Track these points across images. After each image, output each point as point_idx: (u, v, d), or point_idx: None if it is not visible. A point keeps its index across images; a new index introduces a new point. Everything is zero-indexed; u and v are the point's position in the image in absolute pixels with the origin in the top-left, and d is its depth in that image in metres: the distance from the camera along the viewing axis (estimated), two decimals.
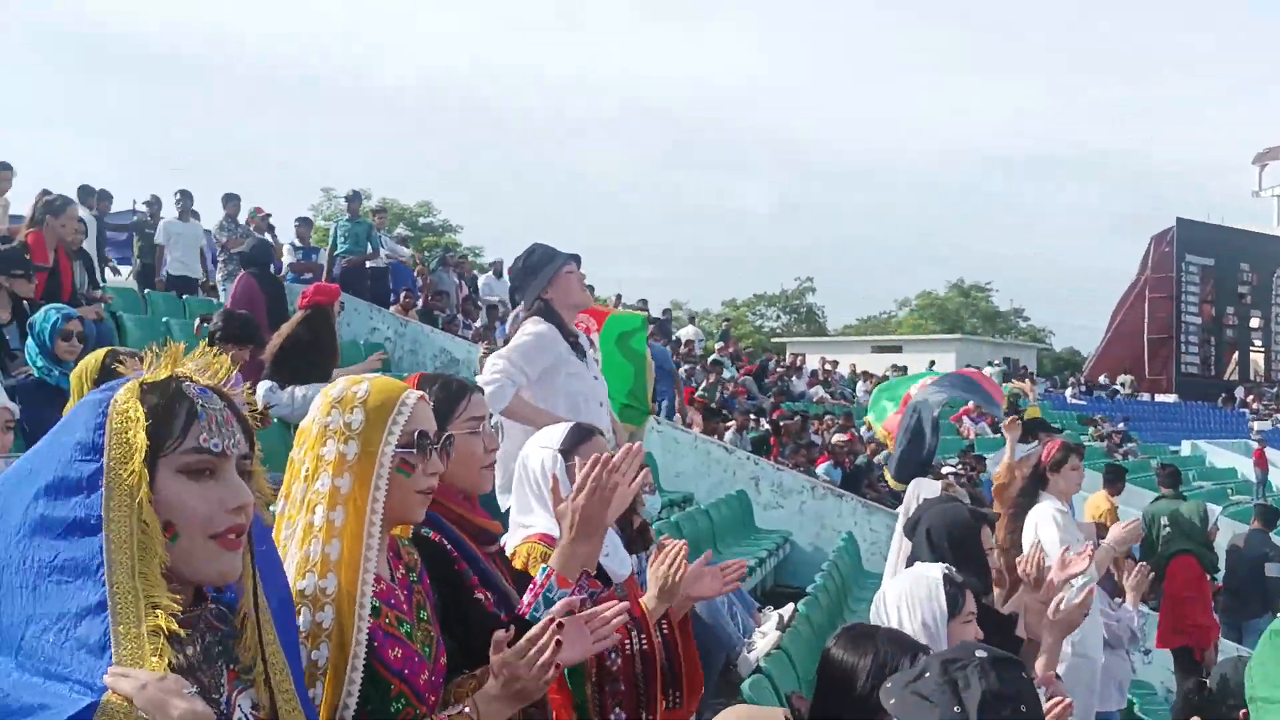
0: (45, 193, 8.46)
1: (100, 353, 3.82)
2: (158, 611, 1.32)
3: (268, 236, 12.81)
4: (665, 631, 2.75)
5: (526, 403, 4.33)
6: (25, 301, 6.08)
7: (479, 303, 16.10)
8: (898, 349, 42.17)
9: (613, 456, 2.42)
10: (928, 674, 1.95)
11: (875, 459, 14.35)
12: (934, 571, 3.08)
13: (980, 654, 1.97)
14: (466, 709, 1.89)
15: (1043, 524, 5.35)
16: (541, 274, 4.57)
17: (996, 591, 4.07)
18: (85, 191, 11.75)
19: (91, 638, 1.26)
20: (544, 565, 2.33)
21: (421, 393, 2.07)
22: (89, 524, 1.33)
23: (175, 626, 1.33)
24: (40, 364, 4.79)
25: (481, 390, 2.60)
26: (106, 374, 3.70)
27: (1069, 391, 35.00)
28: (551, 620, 1.88)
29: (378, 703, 1.83)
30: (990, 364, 31.01)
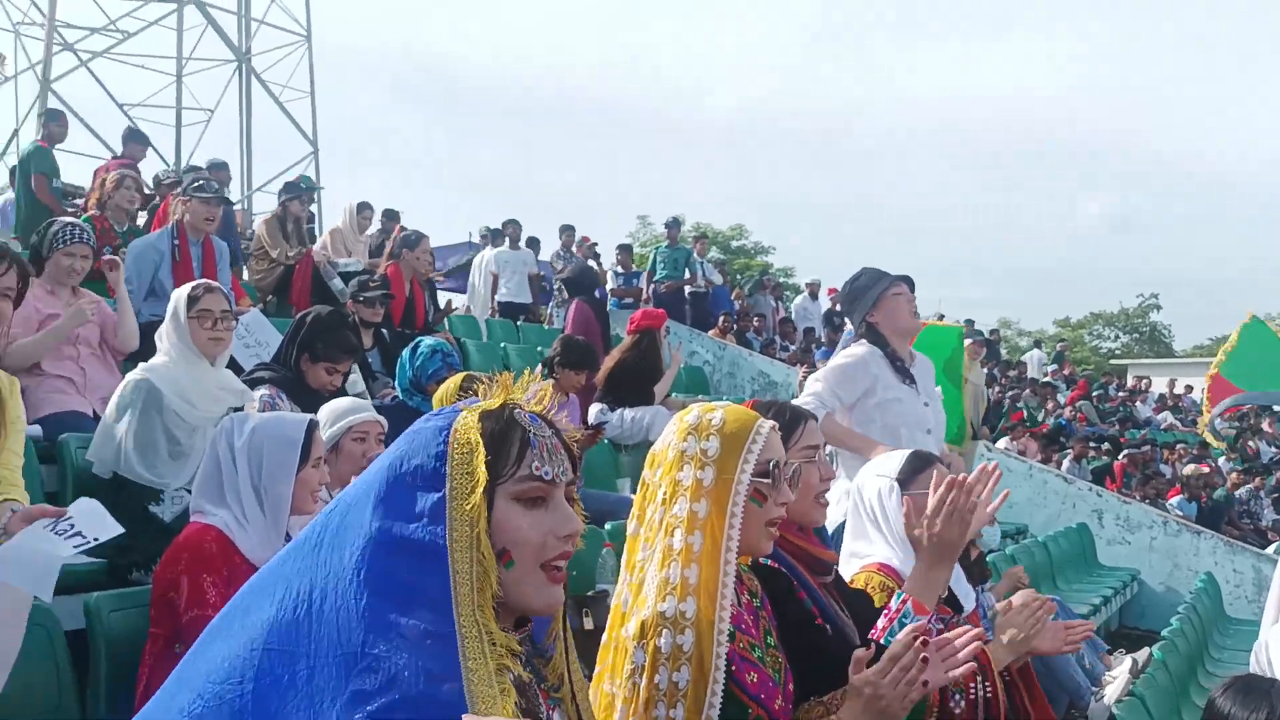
0: (401, 228, 9.38)
1: (458, 377, 4.22)
2: (497, 647, 1.33)
3: (593, 264, 13.47)
4: (1006, 679, 2.65)
5: (838, 424, 4.26)
6: (384, 330, 6.71)
7: (794, 325, 16.18)
8: None
9: (967, 477, 2.39)
10: None
11: (1236, 492, 13.15)
12: None
13: None
14: None
15: None
16: (867, 296, 4.47)
17: None
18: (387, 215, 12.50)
19: (436, 668, 1.26)
20: (899, 591, 2.32)
21: (774, 422, 2.11)
22: (435, 552, 1.32)
23: (519, 668, 1.37)
24: (405, 388, 5.25)
25: (815, 418, 2.58)
26: (464, 396, 4.15)
27: None
28: (915, 638, 1.86)
29: None
30: None
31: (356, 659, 1.25)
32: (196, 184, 6.20)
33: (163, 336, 3.89)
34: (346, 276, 7.93)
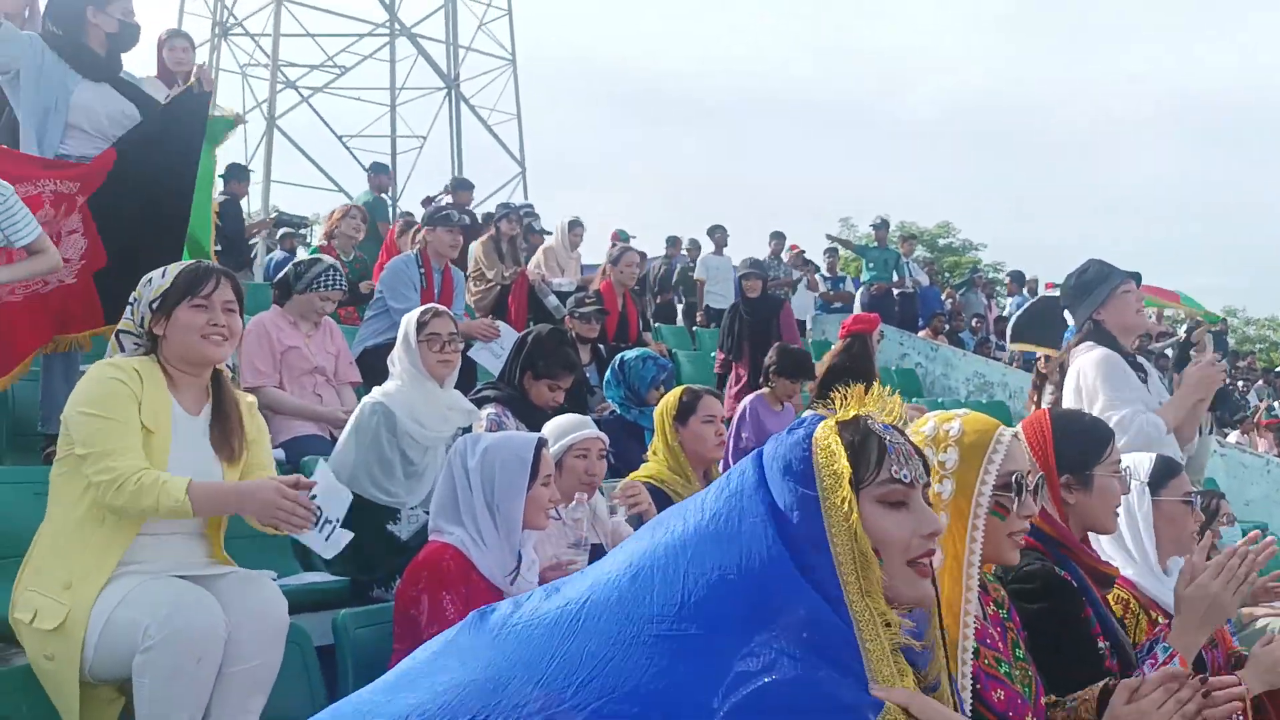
0: (613, 244, 9.55)
1: (677, 391, 4.29)
2: (891, 628, 1.42)
3: (799, 271, 13.39)
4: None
5: (1165, 409, 4.10)
6: (600, 345, 6.87)
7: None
8: None
9: (1249, 547, 2.34)
10: None
11: None
12: None
13: None
14: None
15: None
16: (1095, 293, 4.26)
17: None
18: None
19: (841, 648, 1.35)
20: (1166, 644, 2.25)
21: (1015, 430, 2.07)
22: (817, 542, 1.43)
23: (913, 641, 1.46)
24: (620, 402, 5.31)
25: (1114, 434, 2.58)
26: (683, 409, 4.20)
27: None
28: (1192, 674, 1.83)
29: None
30: None
31: (742, 645, 1.33)
32: (442, 214, 6.49)
33: (395, 361, 4.08)
34: (562, 296, 8.16)
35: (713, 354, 9.97)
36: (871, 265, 13.91)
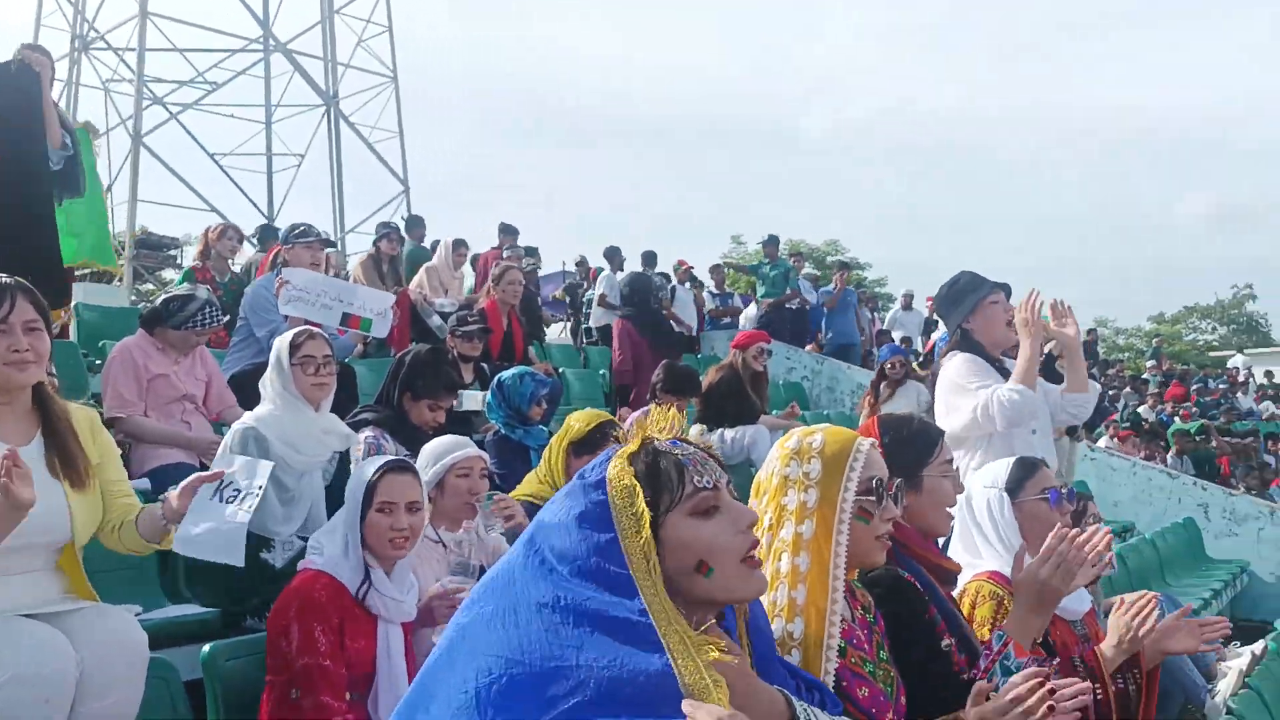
0: (498, 262, 9.47)
1: (588, 419, 4.24)
2: (704, 645, 1.45)
3: (687, 286, 13.50)
4: (1133, 684, 2.67)
5: (1018, 375, 4.19)
6: (484, 364, 6.79)
7: (892, 336, 16.05)
8: None
9: (1081, 532, 2.42)
10: None
11: None
12: None
13: None
14: None
15: None
16: (965, 302, 4.38)
17: None
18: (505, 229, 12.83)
19: (653, 667, 1.37)
20: (999, 632, 2.32)
21: (874, 440, 2.15)
22: (622, 585, 1.46)
23: (727, 656, 1.47)
24: (504, 422, 5.19)
25: (944, 432, 2.64)
26: (587, 442, 4.12)
27: None
28: (1040, 682, 1.87)
29: None
30: None
31: (553, 673, 1.36)
32: (299, 231, 6.33)
33: (266, 384, 3.97)
34: (445, 316, 8.04)
35: (601, 372, 9.98)
36: (764, 282, 14.10)
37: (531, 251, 13.18)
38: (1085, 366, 4.42)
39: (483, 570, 3.51)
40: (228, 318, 5.60)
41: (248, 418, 3.91)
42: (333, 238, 6.43)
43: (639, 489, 1.52)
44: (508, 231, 12.69)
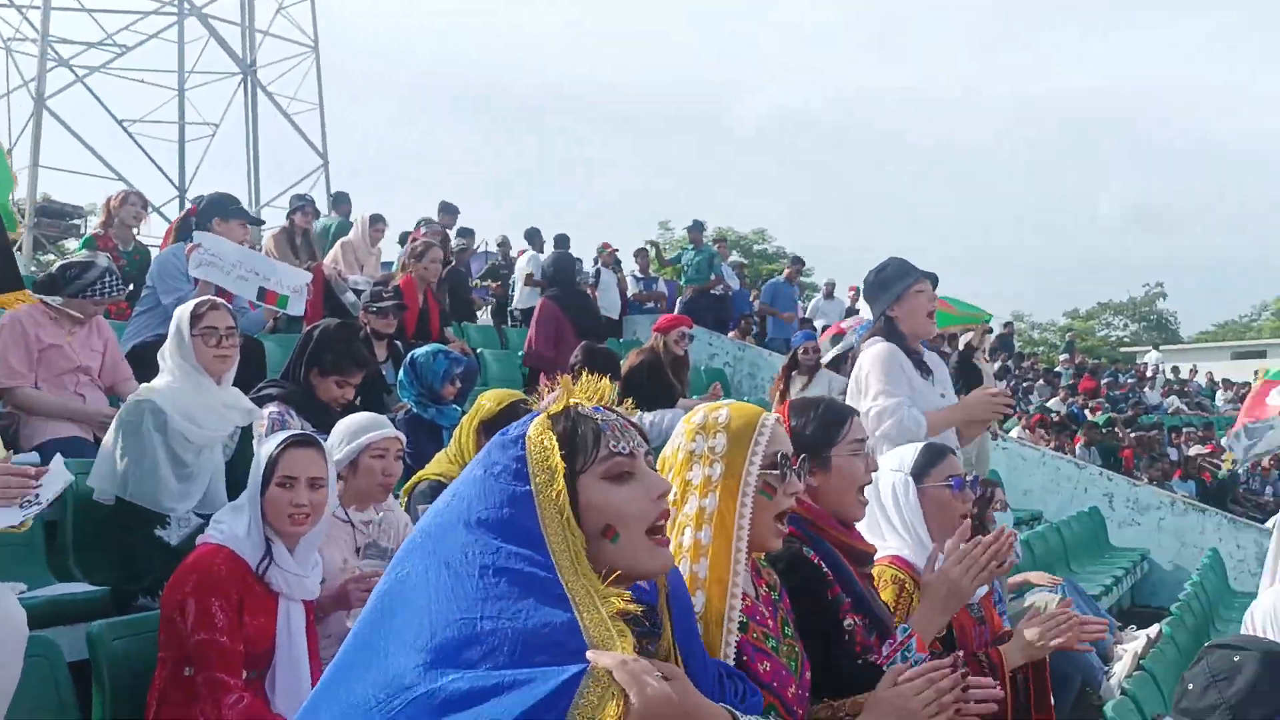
0: (414, 239, 9.33)
1: (501, 397, 4.21)
2: (610, 600, 1.45)
3: (614, 270, 13.45)
4: (1021, 674, 2.71)
5: (933, 412, 4.16)
6: (398, 342, 6.66)
7: (814, 324, 16.16)
8: (1262, 354, 38.53)
9: (995, 539, 2.45)
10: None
11: (1239, 470, 13.34)
12: None
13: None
14: None
15: None
16: (891, 289, 4.36)
17: None
18: (445, 208, 12.76)
19: (558, 620, 1.38)
20: (904, 625, 2.35)
21: (778, 415, 2.14)
22: (532, 539, 1.47)
23: (633, 607, 1.47)
24: (416, 400, 5.12)
25: (857, 413, 2.65)
26: (499, 420, 4.04)
27: None
28: (955, 667, 1.91)
29: None
30: None
31: (466, 632, 1.35)
32: (219, 200, 6.13)
33: (165, 355, 3.84)
34: (361, 293, 7.87)
35: (520, 353, 9.90)
36: (689, 268, 14.09)
37: (465, 232, 13.05)
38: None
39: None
40: (130, 288, 5.42)
41: (143, 390, 3.78)
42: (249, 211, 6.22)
43: (556, 446, 1.54)
44: (448, 210, 12.56)
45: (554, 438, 1.56)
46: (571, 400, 1.63)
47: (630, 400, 1.77)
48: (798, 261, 14.79)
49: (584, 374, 5.10)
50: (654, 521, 1.57)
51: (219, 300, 4.01)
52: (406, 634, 1.38)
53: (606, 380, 1.69)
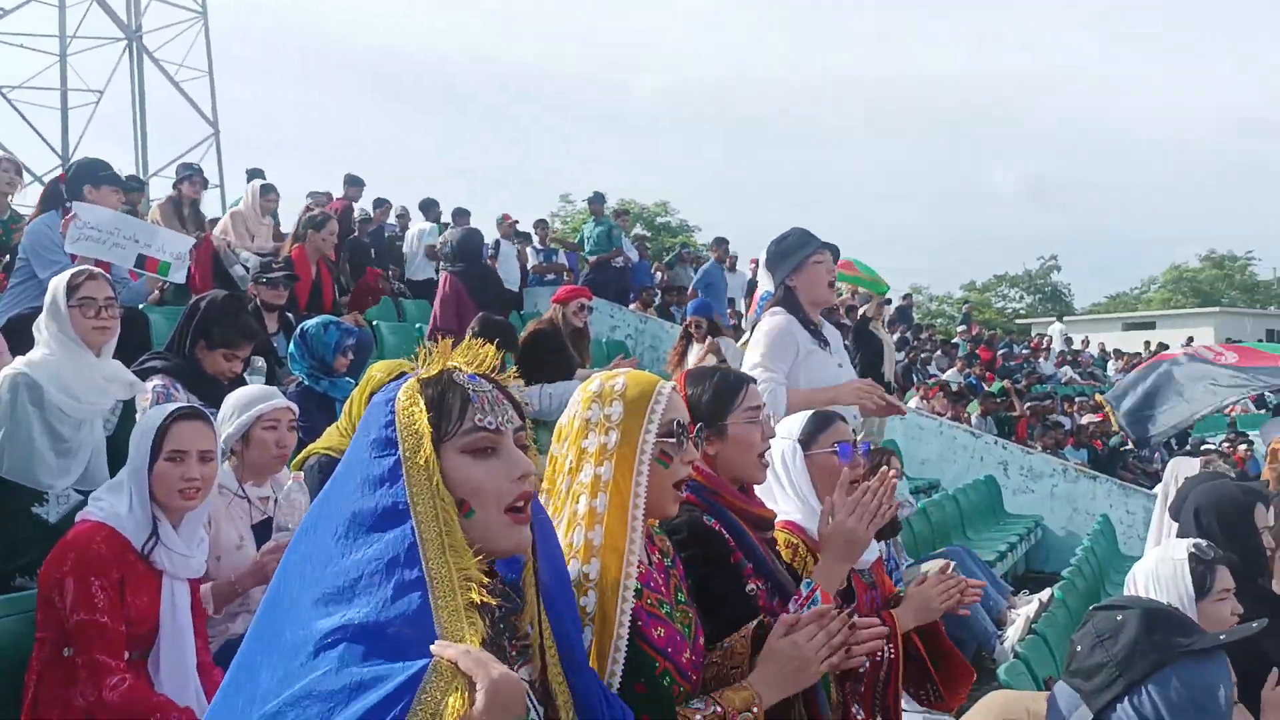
0: (308, 209, 9.11)
1: (390, 367, 4.09)
2: (470, 584, 1.42)
3: (514, 242, 13.34)
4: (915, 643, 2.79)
5: (797, 392, 4.19)
6: (289, 314, 6.52)
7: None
8: (1151, 325, 39.96)
9: (879, 481, 2.48)
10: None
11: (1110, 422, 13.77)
12: (1179, 551, 2.99)
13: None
14: (747, 690, 1.95)
15: None
16: (791, 259, 4.38)
17: None
18: (351, 180, 12.63)
19: (412, 609, 1.36)
20: (808, 580, 2.37)
21: (675, 383, 2.13)
22: (398, 510, 1.44)
23: (489, 598, 1.44)
24: (307, 373, 5.01)
25: (755, 380, 2.65)
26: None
27: None
28: (842, 611, 1.95)
29: (648, 680, 1.90)
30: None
31: (328, 627, 1.34)
32: (105, 172, 5.87)
33: (40, 328, 3.70)
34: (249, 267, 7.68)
35: (418, 325, 9.76)
36: (589, 240, 14.07)
37: (381, 203, 12.91)
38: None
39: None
40: (6, 258, 5.19)
41: (19, 363, 3.63)
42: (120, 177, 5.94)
43: (424, 411, 1.50)
44: (354, 183, 12.41)
45: (422, 403, 1.51)
46: (449, 364, 1.58)
47: (515, 370, 1.71)
48: (721, 243, 14.81)
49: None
50: (511, 502, 1.52)
51: (97, 270, 3.86)
52: (285, 626, 1.38)
53: (493, 348, 1.63)
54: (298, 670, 1.31)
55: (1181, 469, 5.09)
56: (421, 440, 1.48)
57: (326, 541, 1.44)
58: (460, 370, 1.57)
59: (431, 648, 1.31)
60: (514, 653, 1.57)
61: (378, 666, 1.29)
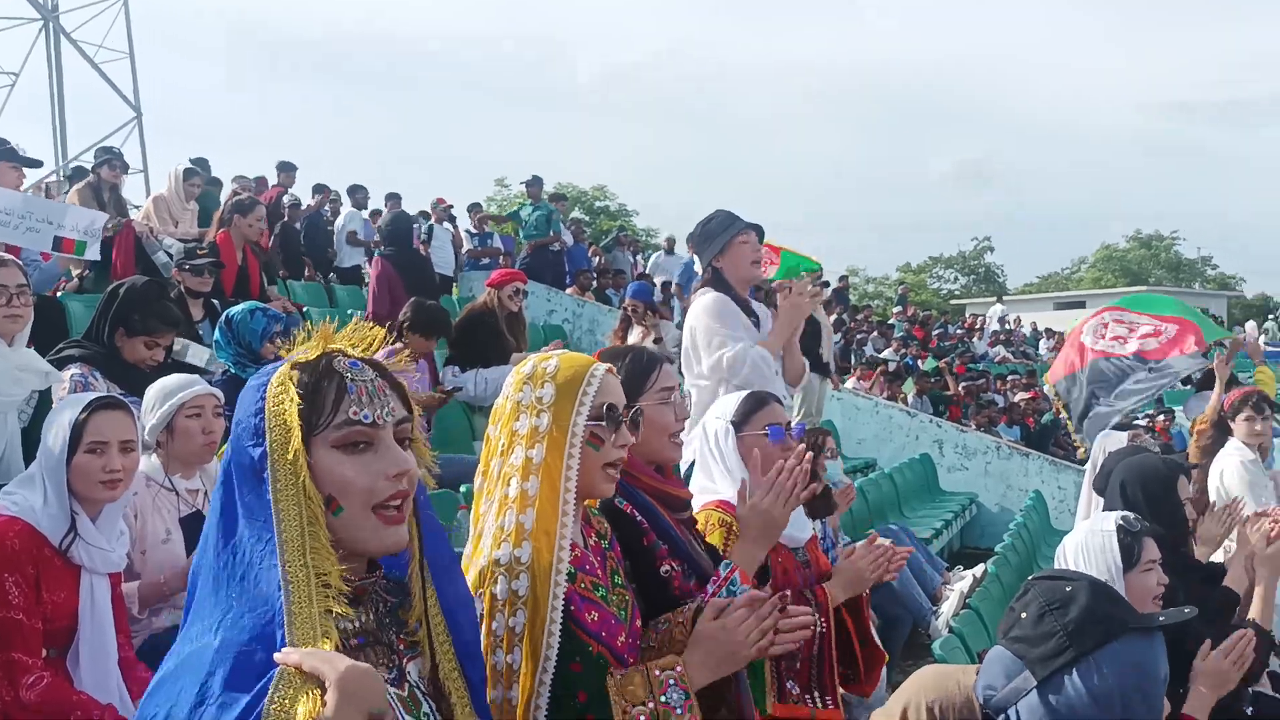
0: (234, 194, 8.92)
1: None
2: (329, 590, 1.35)
3: (448, 225, 13.20)
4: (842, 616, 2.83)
5: (762, 345, 4.26)
6: (215, 300, 6.36)
7: (654, 280, 16.22)
8: (1081, 304, 40.68)
9: (796, 460, 2.49)
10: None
11: (1061, 415, 13.98)
12: (1108, 523, 3.02)
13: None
14: (679, 667, 1.92)
15: (1227, 472, 5.14)
16: (717, 240, 4.44)
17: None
18: (283, 166, 12.53)
19: (270, 615, 1.30)
20: (726, 561, 2.36)
21: (609, 365, 2.11)
22: (263, 505, 1.36)
23: (345, 609, 1.37)
24: (234, 361, 4.87)
25: (670, 360, 2.62)
26: None
27: (1263, 339, 32.84)
28: (775, 594, 1.94)
29: (585, 663, 1.88)
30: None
31: (201, 615, 1.33)
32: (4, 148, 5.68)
33: None
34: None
35: (350, 311, 9.59)
36: (526, 224, 13.97)
37: (321, 188, 12.78)
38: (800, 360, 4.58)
39: None
40: None
41: None
42: (54, 165, 5.73)
43: (295, 400, 1.39)
44: (286, 169, 12.29)
45: (293, 391, 1.39)
46: (331, 348, 1.45)
47: (411, 338, 1.62)
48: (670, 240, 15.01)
49: (411, 332, 5.08)
50: (383, 501, 1.42)
51: (6, 256, 3.76)
52: (186, 639, 1.35)
53: (381, 330, 1.52)
54: (179, 696, 1.27)
55: (1109, 443, 5.16)
56: (290, 434, 1.37)
57: (212, 534, 1.39)
58: (343, 356, 1.44)
59: (275, 657, 1.25)
60: (403, 647, 1.51)
61: (226, 695, 1.24)
